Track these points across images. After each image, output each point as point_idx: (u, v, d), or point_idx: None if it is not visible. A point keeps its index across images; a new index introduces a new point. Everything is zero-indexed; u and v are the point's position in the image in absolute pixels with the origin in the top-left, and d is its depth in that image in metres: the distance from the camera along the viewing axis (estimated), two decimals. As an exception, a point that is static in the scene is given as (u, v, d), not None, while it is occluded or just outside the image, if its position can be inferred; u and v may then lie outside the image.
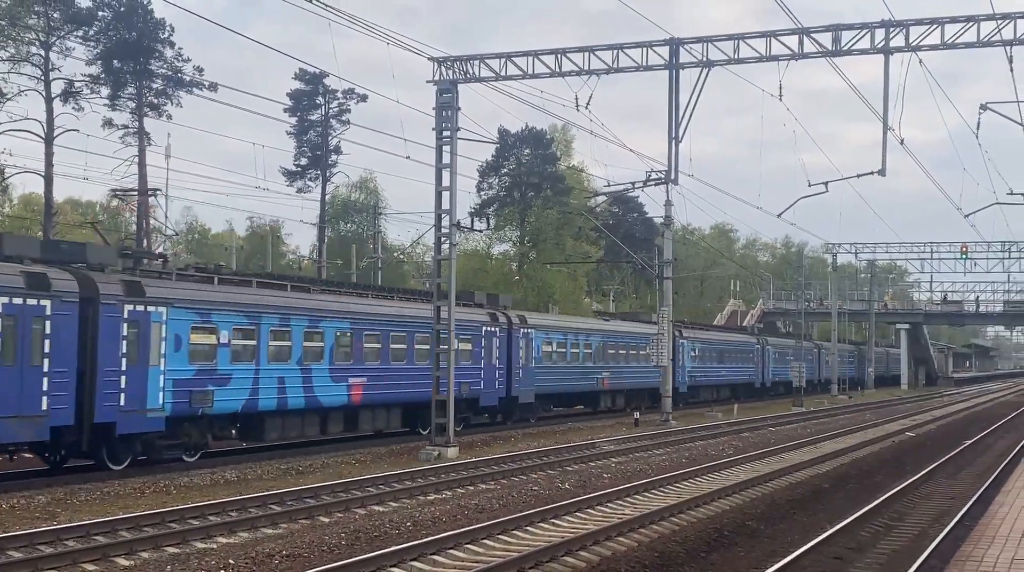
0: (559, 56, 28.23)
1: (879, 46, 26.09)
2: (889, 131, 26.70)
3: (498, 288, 62.68)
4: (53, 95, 48.35)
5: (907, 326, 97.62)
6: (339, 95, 64.57)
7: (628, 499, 20.04)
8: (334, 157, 65.85)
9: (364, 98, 64.96)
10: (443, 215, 28.29)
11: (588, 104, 28.42)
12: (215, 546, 15.16)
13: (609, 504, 19.36)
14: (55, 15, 48.67)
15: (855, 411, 55.50)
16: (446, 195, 28.11)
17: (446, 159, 28.08)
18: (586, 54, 28.13)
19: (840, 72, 29.24)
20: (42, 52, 48.12)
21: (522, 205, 69.66)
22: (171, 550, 14.81)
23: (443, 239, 28.43)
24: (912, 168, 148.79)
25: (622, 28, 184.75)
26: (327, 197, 67.66)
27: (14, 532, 15.05)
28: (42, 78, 48.04)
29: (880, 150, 28.69)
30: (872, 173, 28.60)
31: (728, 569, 14.29)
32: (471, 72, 28.58)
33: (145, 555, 14.44)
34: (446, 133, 28.04)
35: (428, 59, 28.46)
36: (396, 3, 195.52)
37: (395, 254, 72.37)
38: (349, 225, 74.11)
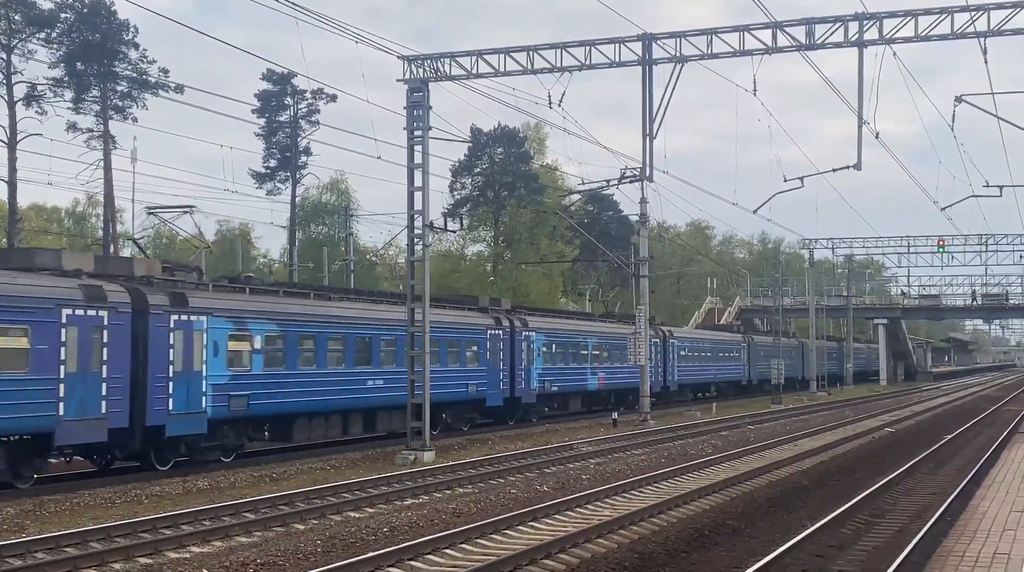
0: (531, 53, 27.97)
1: (853, 39, 25.96)
2: (864, 125, 26.56)
3: (472, 289, 62.39)
4: (15, 99, 47.78)
5: (885, 321, 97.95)
6: (308, 95, 63.52)
7: (608, 500, 19.87)
8: (304, 158, 65.05)
9: (334, 98, 64.13)
10: (416, 216, 27.99)
11: (561, 101, 28.17)
12: (188, 555, 14.92)
13: (588, 505, 19.18)
14: (16, 17, 47.97)
15: (834, 408, 55.48)
16: (418, 195, 27.82)
17: (418, 159, 27.78)
18: (558, 51, 27.86)
19: (814, 66, 29.03)
20: (3, 55, 47.46)
21: (496, 205, 69.35)
22: (143, 560, 14.53)
23: (416, 240, 28.14)
24: (888, 162, 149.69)
25: (595, 27, 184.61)
26: (297, 199, 67.11)
27: (-20, 545, 14.71)
28: (3, 82, 47.42)
29: (855, 144, 28.58)
30: (848, 167, 28.47)
31: (709, 569, 14.15)
32: (442, 70, 28.29)
33: (116, 566, 14.17)
34: (417, 132, 27.74)
35: (398, 58, 28.12)
36: (364, 4, 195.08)
37: (367, 256, 71.96)
38: (320, 227, 73.53)
